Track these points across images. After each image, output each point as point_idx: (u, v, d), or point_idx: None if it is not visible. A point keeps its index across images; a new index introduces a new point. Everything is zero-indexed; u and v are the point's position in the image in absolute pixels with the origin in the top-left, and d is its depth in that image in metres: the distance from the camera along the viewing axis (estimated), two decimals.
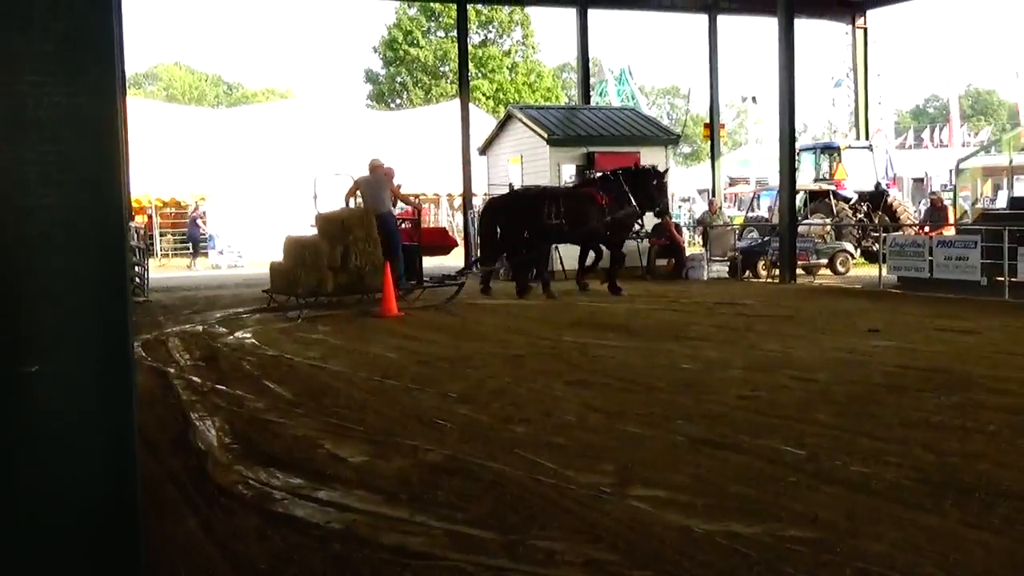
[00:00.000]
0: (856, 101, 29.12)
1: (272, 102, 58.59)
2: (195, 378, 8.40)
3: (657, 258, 19.85)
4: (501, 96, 53.29)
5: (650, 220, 17.91)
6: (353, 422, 6.46)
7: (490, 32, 57.11)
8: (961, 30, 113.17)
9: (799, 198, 21.74)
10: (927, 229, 20.31)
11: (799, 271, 18.52)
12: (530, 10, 53.85)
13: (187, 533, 4.35)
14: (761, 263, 19.46)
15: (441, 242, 17.40)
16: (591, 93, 28.28)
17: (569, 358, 9.19)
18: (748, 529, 4.11)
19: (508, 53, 56.93)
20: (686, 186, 42.16)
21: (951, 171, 31.32)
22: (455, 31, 30.37)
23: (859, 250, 22.21)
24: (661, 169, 17.13)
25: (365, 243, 13.67)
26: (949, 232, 18.13)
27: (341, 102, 52.08)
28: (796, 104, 18.49)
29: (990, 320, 11.65)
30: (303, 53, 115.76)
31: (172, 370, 8.90)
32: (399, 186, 16.17)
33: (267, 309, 14.15)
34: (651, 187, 16.30)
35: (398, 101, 57.85)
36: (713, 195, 26.64)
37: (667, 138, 21.38)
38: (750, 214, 28.55)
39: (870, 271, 19.41)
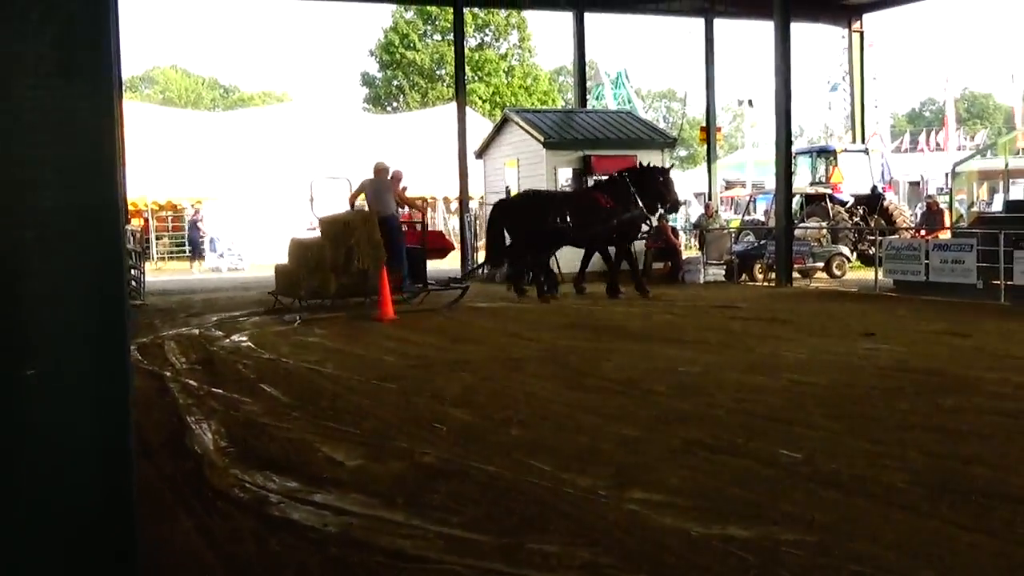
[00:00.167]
0: (852, 104, 29.22)
1: (268, 105, 58.55)
2: (191, 381, 8.39)
3: (653, 261, 19.87)
4: (497, 99, 53.34)
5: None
6: (349, 425, 6.45)
7: (487, 35, 57.15)
8: (957, 34, 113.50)
9: (795, 201, 21.77)
10: (923, 232, 20.37)
11: (795, 274, 18.54)
12: (527, 13, 53.87)
13: (183, 536, 4.35)
14: (757, 266, 19.48)
15: (438, 245, 17.40)
16: (587, 96, 28.31)
17: (565, 361, 9.19)
18: (744, 532, 4.11)
19: (505, 56, 56.95)
20: (682, 189, 42.10)
21: (947, 174, 31.42)
22: (452, 34, 30.37)
23: (855, 253, 22.25)
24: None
25: (368, 245, 13.70)
26: (945, 235, 18.18)
27: (337, 105, 52.19)
28: (792, 107, 18.53)
29: (986, 323, 11.67)
30: (299, 56, 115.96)
31: (168, 373, 8.89)
32: (404, 189, 16.08)
33: (264, 312, 14.16)
34: (657, 185, 16.24)
35: (394, 104, 57.87)
36: (709, 198, 26.71)
37: (663, 141, 21.40)
38: (746, 217, 28.61)
39: (866, 274, 19.46)
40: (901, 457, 5.29)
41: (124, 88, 23.63)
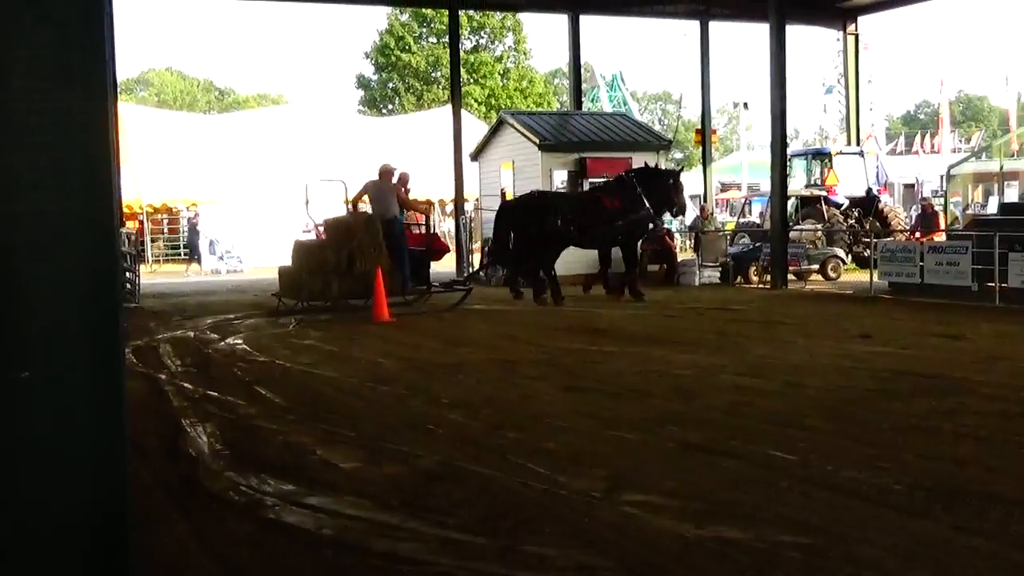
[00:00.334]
0: (847, 107, 29.26)
1: (264, 107, 58.46)
2: (186, 384, 8.38)
3: (649, 263, 19.87)
4: (493, 102, 53.34)
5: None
6: (345, 428, 6.45)
7: (482, 38, 57.19)
8: (952, 36, 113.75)
9: (790, 204, 21.82)
10: (918, 235, 20.42)
11: (790, 277, 18.55)
12: (522, 16, 53.97)
13: (178, 540, 4.34)
14: (753, 269, 19.50)
15: (434, 248, 17.39)
16: (583, 99, 28.34)
17: (561, 364, 9.19)
18: (740, 535, 4.11)
19: (500, 59, 56.99)
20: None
21: (942, 177, 31.47)
22: (447, 37, 30.40)
23: (850, 256, 22.28)
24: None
25: (370, 248, 13.71)
26: (940, 238, 18.22)
27: (333, 108, 52.11)
28: (788, 110, 18.58)
29: (981, 325, 11.68)
30: (295, 58, 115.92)
31: (163, 376, 8.87)
32: (407, 191, 15.98)
33: (259, 315, 14.17)
34: (667, 188, 16.10)
35: (390, 107, 57.84)
36: (705, 201, 26.75)
37: (659, 143, 21.41)
38: (742, 220, 28.67)
39: (861, 277, 19.48)
40: (896, 459, 5.30)
41: (119, 90, 23.62)
